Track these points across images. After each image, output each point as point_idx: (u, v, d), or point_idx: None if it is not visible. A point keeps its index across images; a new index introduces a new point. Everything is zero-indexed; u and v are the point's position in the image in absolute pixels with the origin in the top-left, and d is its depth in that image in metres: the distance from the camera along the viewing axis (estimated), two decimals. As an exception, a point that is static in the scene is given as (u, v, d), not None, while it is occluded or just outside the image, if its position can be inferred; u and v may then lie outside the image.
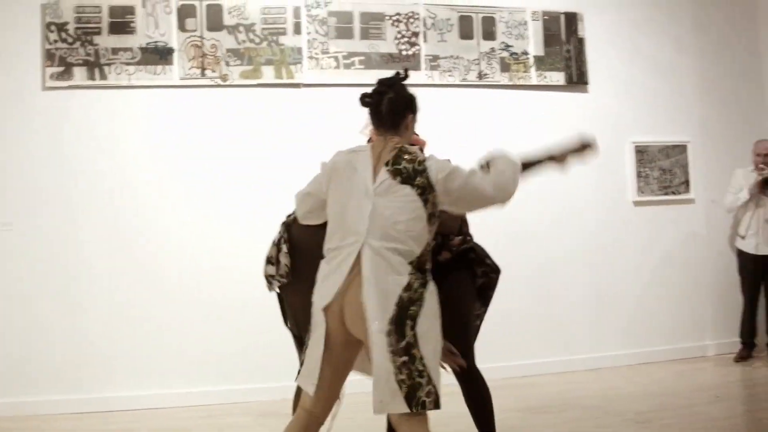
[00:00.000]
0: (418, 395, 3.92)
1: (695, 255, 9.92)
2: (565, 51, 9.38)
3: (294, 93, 8.53)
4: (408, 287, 4.00)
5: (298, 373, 4.38)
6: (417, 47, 8.83)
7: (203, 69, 8.27)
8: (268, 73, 8.41)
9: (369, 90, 4.40)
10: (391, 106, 4.25)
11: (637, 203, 9.67)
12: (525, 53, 9.22)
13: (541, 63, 9.28)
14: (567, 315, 9.19)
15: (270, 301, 8.30)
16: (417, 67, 8.77)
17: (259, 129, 8.44)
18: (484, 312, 5.39)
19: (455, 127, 8.55)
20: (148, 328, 8.12)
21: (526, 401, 6.04)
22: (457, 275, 5.30)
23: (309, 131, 8.51)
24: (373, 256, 4.04)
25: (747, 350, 9.44)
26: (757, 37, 10.43)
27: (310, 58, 8.50)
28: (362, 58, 8.66)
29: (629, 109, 9.75)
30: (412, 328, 3.95)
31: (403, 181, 4.08)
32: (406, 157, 4.15)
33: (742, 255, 9.55)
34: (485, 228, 5.61)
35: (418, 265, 4.06)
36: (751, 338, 9.51)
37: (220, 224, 8.32)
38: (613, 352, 9.41)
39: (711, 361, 9.55)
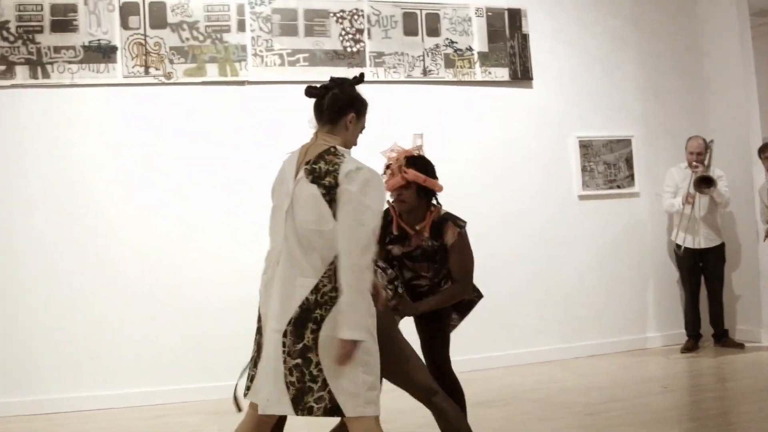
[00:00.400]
0: (306, 400, 3.93)
1: (640, 248, 10.06)
2: (509, 47, 9.46)
3: (239, 90, 8.53)
4: (316, 290, 3.97)
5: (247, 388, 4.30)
6: (361, 44, 8.86)
7: (147, 67, 8.24)
8: (212, 71, 8.39)
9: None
10: (332, 101, 4.22)
11: (582, 197, 9.77)
12: (469, 49, 9.28)
13: (485, 59, 9.34)
14: (513, 309, 9.27)
15: (221, 300, 8.35)
16: (362, 64, 8.79)
17: (205, 127, 8.42)
18: (458, 323, 5.75)
19: (401, 123, 8.55)
20: (99, 328, 8.08)
21: (473, 395, 6.04)
22: (434, 324, 5.58)
23: (255, 129, 8.51)
24: (287, 259, 4.05)
25: (693, 342, 9.58)
26: (697, 33, 10.58)
27: (255, 55, 8.50)
28: (307, 55, 8.67)
29: (573, 104, 9.84)
30: (314, 332, 3.92)
31: (313, 180, 4.04)
32: (327, 157, 4.09)
33: (681, 249, 9.65)
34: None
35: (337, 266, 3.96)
36: (695, 330, 9.67)
37: (169, 222, 8.31)
38: (560, 345, 9.52)
39: (656, 352, 9.67)
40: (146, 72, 8.23)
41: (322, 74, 8.49)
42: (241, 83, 8.52)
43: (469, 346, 8.14)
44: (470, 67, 9.24)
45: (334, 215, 3.94)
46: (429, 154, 5.59)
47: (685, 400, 7.28)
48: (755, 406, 6.56)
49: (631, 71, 10.20)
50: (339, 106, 4.22)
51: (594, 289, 9.80)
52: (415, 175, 5.29)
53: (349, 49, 8.80)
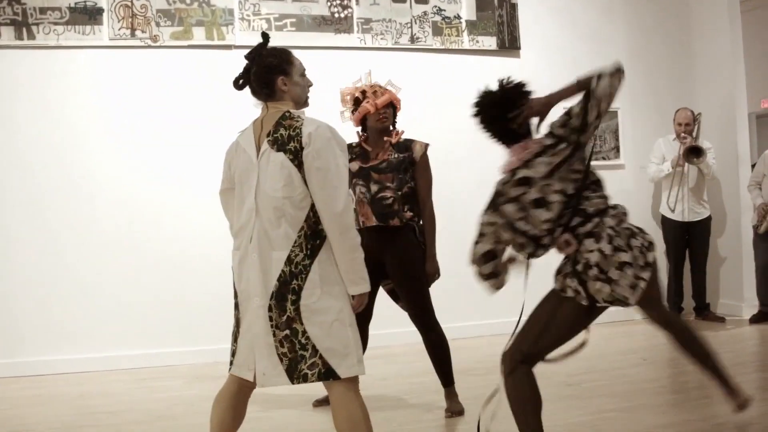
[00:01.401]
0: (300, 368, 3.99)
1: (625, 220, 10.10)
2: (497, 16, 9.49)
3: (225, 55, 8.53)
4: (289, 261, 4.02)
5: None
6: (349, 10, 8.88)
7: (133, 30, 8.24)
8: (199, 35, 8.42)
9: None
10: (257, 79, 4.24)
11: (567, 168, 9.78)
12: (457, 17, 9.31)
13: (473, 27, 9.38)
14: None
15: (203, 265, 8.39)
16: (349, 30, 8.83)
17: (191, 90, 8.46)
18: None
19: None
20: (79, 291, 8.16)
21: (455, 363, 6.10)
22: (406, 242, 5.94)
23: (240, 93, 8.49)
24: (260, 234, 4.09)
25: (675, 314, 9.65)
26: (686, 7, 10.64)
27: (242, 19, 8.51)
28: (294, 20, 8.68)
29: (560, 74, 9.73)
30: (294, 302, 3.98)
31: (278, 149, 4.08)
32: (285, 123, 4.14)
33: (666, 222, 9.80)
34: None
35: (309, 232, 4.03)
36: (678, 303, 9.80)
37: (155, 186, 8.37)
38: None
39: (639, 324, 9.73)
40: (132, 35, 8.24)
41: (309, 40, 8.57)
42: (228, 47, 8.53)
43: (454, 315, 8.20)
44: (458, 36, 9.27)
45: (304, 180, 3.99)
46: (417, 122, 5.84)
47: (665, 373, 7.35)
48: (734, 380, 6.63)
49: (619, 43, 10.26)
50: (264, 80, 4.22)
51: (579, 261, 9.86)
52: (394, 96, 5.98)
53: (336, 15, 8.80)
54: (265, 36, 4.34)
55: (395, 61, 9.03)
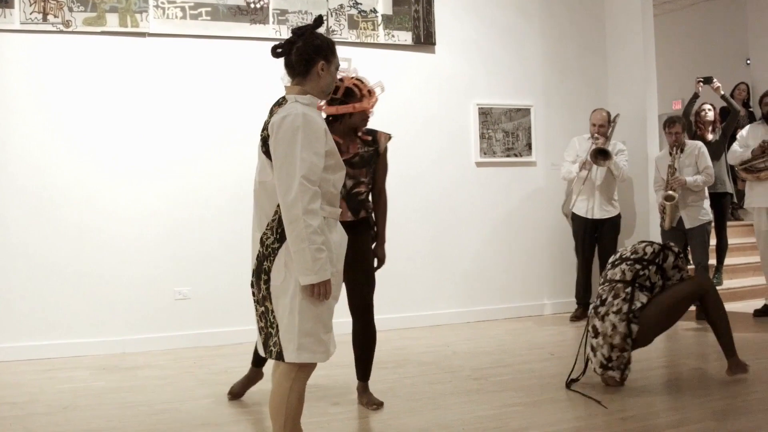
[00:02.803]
0: (269, 343, 4.25)
1: (535, 216, 10.33)
2: (413, 11, 9.56)
3: (139, 42, 8.52)
4: (261, 243, 4.26)
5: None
6: (265, 0, 8.88)
7: (45, 14, 8.16)
8: (112, 21, 8.36)
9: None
10: (299, 54, 4.33)
11: (479, 164, 10.00)
12: (374, 11, 9.38)
13: (389, 22, 9.46)
14: (410, 272, 9.48)
15: (108, 255, 8.35)
16: (265, 21, 8.85)
17: (104, 78, 8.41)
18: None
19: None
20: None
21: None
22: (366, 234, 6.05)
23: (154, 82, 8.50)
24: (253, 215, 4.42)
25: (582, 310, 9.88)
26: (601, 8, 10.88)
27: (156, 7, 8.47)
28: (209, 9, 8.68)
29: (475, 71, 10.01)
30: (266, 282, 4.22)
31: (262, 136, 4.34)
32: (274, 109, 4.38)
33: (576, 219, 9.98)
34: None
35: (279, 218, 4.19)
36: (586, 299, 9.99)
37: (63, 171, 8.30)
38: (453, 310, 9.80)
39: (548, 320, 9.91)
40: (44, 19, 8.15)
41: (224, 29, 8.61)
42: (142, 35, 8.50)
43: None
44: (374, 29, 9.33)
45: (272, 167, 4.17)
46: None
47: (571, 367, 7.46)
48: (639, 375, 6.78)
49: (534, 41, 10.46)
50: (306, 58, 4.32)
51: (489, 256, 10.05)
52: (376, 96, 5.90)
53: (252, 5, 8.81)
54: (320, 19, 4.49)
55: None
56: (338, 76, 5.57)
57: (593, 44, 10.84)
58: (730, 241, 11.08)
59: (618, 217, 9.97)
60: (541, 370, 7.23)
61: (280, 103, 4.39)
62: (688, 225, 9.42)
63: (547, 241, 10.45)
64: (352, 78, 5.84)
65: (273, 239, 4.18)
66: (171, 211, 8.56)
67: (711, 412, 5.61)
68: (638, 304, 6.34)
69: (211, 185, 8.70)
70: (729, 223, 11.22)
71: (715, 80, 10.31)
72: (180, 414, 5.94)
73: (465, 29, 10.01)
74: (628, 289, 6.40)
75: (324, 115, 5.62)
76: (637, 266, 6.49)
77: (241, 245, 8.54)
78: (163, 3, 8.48)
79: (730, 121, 10.52)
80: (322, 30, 4.54)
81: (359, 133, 5.93)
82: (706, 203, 9.56)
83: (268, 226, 4.22)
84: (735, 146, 9.77)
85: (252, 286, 4.35)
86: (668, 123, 9.54)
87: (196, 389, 6.71)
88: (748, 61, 14.77)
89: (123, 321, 8.35)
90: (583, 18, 10.78)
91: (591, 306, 6.75)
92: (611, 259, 6.88)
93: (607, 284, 6.61)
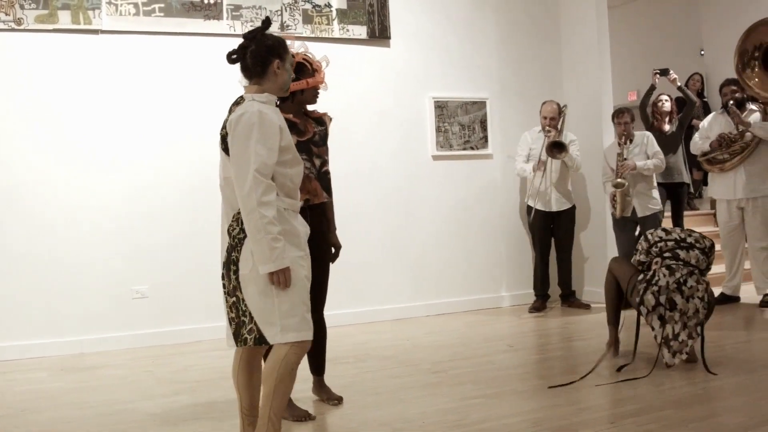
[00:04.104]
0: (242, 332, 4.41)
1: (492, 209, 10.39)
2: (367, 5, 9.58)
3: (92, 39, 8.48)
4: (229, 234, 4.42)
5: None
6: (219, -5, 8.85)
7: (-4, 12, 8.09)
8: (64, 18, 8.30)
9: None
10: (254, 57, 4.47)
11: (436, 158, 10.04)
12: (328, 6, 9.39)
13: (343, 16, 9.46)
14: (368, 266, 9.52)
15: (64, 255, 8.30)
16: (219, 17, 8.83)
17: (56, 76, 8.36)
18: None
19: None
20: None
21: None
22: (327, 221, 5.90)
23: (108, 79, 8.47)
24: (222, 209, 4.57)
25: (541, 301, 9.99)
26: (556, 0, 10.86)
27: (109, 3, 8.43)
28: (162, 5, 8.64)
29: (430, 64, 10.04)
30: (235, 272, 4.37)
31: (221, 134, 4.50)
32: (232, 108, 4.53)
33: (532, 211, 9.96)
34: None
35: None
36: (544, 290, 10.09)
37: (12, 171, 8.24)
38: (412, 304, 9.85)
39: (506, 312, 9.96)
40: (-5, 17, 8.08)
41: (178, 26, 8.59)
42: (95, 32, 8.45)
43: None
44: (328, 24, 9.33)
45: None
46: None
47: (531, 359, 7.49)
48: (603, 365, 6.82)
49: (489, 34, 10.50)
50: (261, 60, 4.47)
51: (447, 249, 10.09)
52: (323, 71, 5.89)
53: (206, 1, 8.78)
54: (268, 20, 4.59)
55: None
56: (303, 54, 5.65)
57: (548, 36, 10.90)
58: (687, 230, 11.17)
59: (573, 208, 10.07)
60: (500, 362, 7.26)
61: (239, 102, 4.51)
62: (640, 214, 9.52)
63: (505, 233, 10.51)
64: (301, 53, 5.84)
65: (239, 230, 4.33)
66: (127, 209, 8.55)
67: (670, 401, 5.67)
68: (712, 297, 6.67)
69: (166, 183, 8.70)
70: (686, 213, 11.33)
71: (671, 72, 10.39)
72: (139, 413, 5.93)
73: (419, 22, 10.04)
74: (705, 278, 6.68)
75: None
76: (703, 257, 6.75)
77: (198, 243, 8.59)
78: (116, 0, 8.43)
79: (686, 111, 10.60)
80: (275, 27, 4.62)
81: (309, 112, 5.91)
82: (655, 192, 9.67)
83: (234, 218, 4.37)
84: (696, 137, 9.91)
85: (222, 278, 4.47)
86: (617, 114, 9.65)
87: (155, 388, 6.71)
88: (702, 52, 14.92)
89: (81, 321, 8.32)
90: (538, 9, 10.84)
91: (664, 279, 6.57)
92: (664, 236, 6.97)
93: (682, 264, 6.67)
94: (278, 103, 5.39)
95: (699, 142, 9.76)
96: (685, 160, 10.67)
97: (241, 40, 4.51)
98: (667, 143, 10.21)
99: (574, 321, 9.18)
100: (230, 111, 4.51)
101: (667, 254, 6.81)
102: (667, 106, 10.57)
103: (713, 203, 10.83)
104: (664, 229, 7.13)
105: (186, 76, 8.81)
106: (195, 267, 8.55)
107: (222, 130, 4.47)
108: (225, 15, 8.88)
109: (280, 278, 4.21)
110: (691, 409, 5.47)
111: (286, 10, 9.16)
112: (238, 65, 4.53)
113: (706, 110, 12.60)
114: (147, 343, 8.50)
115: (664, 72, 10.40)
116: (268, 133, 4.25)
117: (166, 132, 8.74)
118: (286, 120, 5.55)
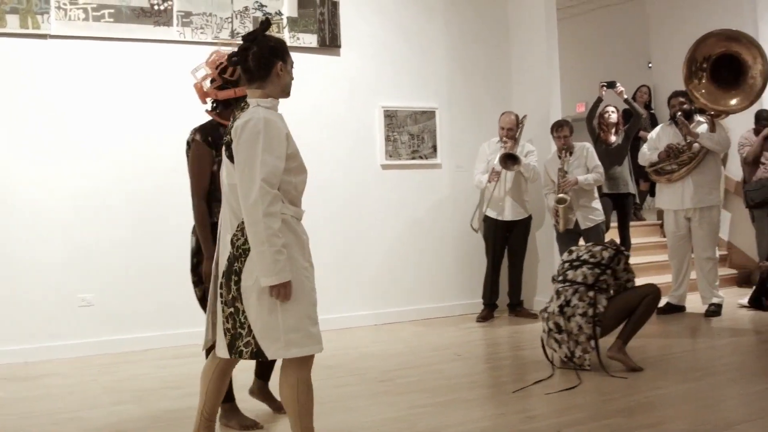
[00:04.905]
0: (237, 344, 4.34)
1: (441, 219, 10.42)
2: (319, 14, 9.58)
3: (40, 44, 8.40)
4: (232, 244, 4.36)
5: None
6: (169, 2, 8.84)
7: (-58, 15, 8.00)
8: (12, 23, 8.23)
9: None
10: (256, 59, 4.40)
11: (385, 167, 10.06)
12: (279, 14, 9.37)
13: (294, 24, 9.46)
14: (316, 276, 9.36)
15: (6, 264, 8.21)
16: (169, 23, 8.79)
17: (4, 80, 8.26)
18: None
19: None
20: None
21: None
22: None
23: (56, 84, 8.40)
24: (223, 218, 4.56)
25: (489, 311, 10.02)
26: (505, 12, 10.97)
27: (58, 8, 8.37)
28: (112, 11, 8.60)
29: (380, 73, 10.06)
30: (236, 283, 4.31)
31: (225, 141, 4.46)
32: (237, 114, 4.46)
33: (487, 221, 10.06)
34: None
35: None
36: (492, 300, 10.14)
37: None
38: (361, 313, 9.84)
39: (454, 321, 9.99)
40: (-59, 20, 7.99)
41: (128, 31, 8.54)
42: (43, 37, 8.38)
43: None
44: (279, 32, 9.31)
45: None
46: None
47: (478, 368, 7.52)
48: (545, 374, 6.86)
49: (439, 44, 10.54)
50: (264, 62, 4.40)
51: (397, 258, 10.12)
52: None
53: (156, 7, 8.74)
54: (267, 22, 4.52)
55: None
56: (219, 57, 5.48)
57: (498, 46, 10.96)
58: (633, 240, 11.28)
59: (529, 218, 10.13)
60: (448, 370, 7.30)
61: (243, 107, 4.44)
62: (583, 226, 9.60)
63: (454, 242, 10.54)
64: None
65: (243, 240, 4.27)
66: (72, 216, 8.48)
67: (617, 409, 5.74)
68: (600, 308, 6.81)
69: (110, 189, 8.64)
70: (632, 223, 11.43)
71: (618, 85, 10.47)
72: (85, 422, 5.90)
73: (371, 31, 10.07)
74: (591, 293, 6.86)
75: (210, 103, 5.59)
76: (597, 270, 6.95)
77: (144, 252, 8.55)
78: (65, 4, 8.38)
79: (632, 123, 10.69)
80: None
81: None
82: (597, 203, 9.75)
83: (238, 227, 4.32)
84: (644, 148, 10.01)
85: (220, 287, 4.42)
86: (556, 127, 9.73)
87: (101, 396, 6.67)
88: (650, 65, 15.03)
89: (25, 330, 8.23)
90: (488, 20, 10.90)
91: (553, 304, 7.11)
92: (566, 258, 7.37)
93: (568, 285, 7.03)
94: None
95: (647, 153, 9.85)
96: (631, 171, 10.76)
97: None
98: (614, 155, 10.33)
99: (521, 330, 9.23)
100: (234, 117, 4.44)
101: (560, 278, 7.24)
102: (614, 117, 10.65)
103: (660, 214, 10.94)
104: (570, 251, 7.48)
105: (136, 82, 8.76)
106: (140, 276, 8.51)
107: (226, 136, 4.43)
108: (175, 21, 8.84)
109: (281, 292, 4.18)
110: (637, 416, 5.55)
111: (236, 18, 9.13)
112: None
113: (654, 122, 12.70)
114: (93, 351, 8.42)
115: (611, 84, 10.48)
116: (274, 141, 4.22)
117: (111, 137, 8.68)
118: (221, 125, 5.56)
